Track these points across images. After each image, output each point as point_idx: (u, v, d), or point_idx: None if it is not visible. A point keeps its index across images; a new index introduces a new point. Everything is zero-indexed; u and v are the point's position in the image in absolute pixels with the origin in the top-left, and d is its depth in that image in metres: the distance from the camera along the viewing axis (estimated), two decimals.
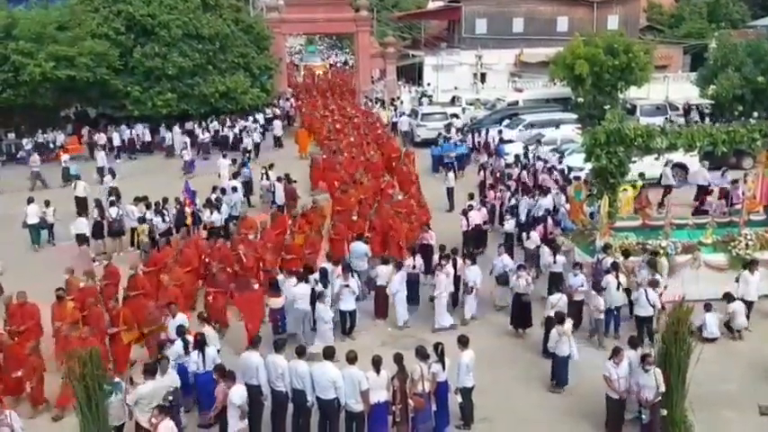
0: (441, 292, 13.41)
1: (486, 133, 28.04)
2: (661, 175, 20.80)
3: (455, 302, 14.20)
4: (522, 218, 17.46)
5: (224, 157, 24.75)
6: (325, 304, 12.49)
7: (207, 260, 14.85)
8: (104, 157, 26.21)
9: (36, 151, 28.62)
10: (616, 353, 9.92)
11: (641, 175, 19.14)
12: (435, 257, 14.43)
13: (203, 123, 32.12)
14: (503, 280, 14.14)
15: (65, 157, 26.48)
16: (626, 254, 13.82)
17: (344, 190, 19.34)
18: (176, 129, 31.00)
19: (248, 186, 22.46)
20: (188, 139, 29.12)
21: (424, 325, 13.67)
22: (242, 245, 15.04)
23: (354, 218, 17.04)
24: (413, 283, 14.27)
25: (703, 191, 19.46)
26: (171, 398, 9.72)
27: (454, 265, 13.96)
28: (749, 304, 13.25)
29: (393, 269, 13.68)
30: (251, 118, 33.52)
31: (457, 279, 13.95)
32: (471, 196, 18.67)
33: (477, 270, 13.80)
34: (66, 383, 10.76)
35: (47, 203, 19.23)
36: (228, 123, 32.10)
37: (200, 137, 30.58)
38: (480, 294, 13.97)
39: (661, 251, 13.95)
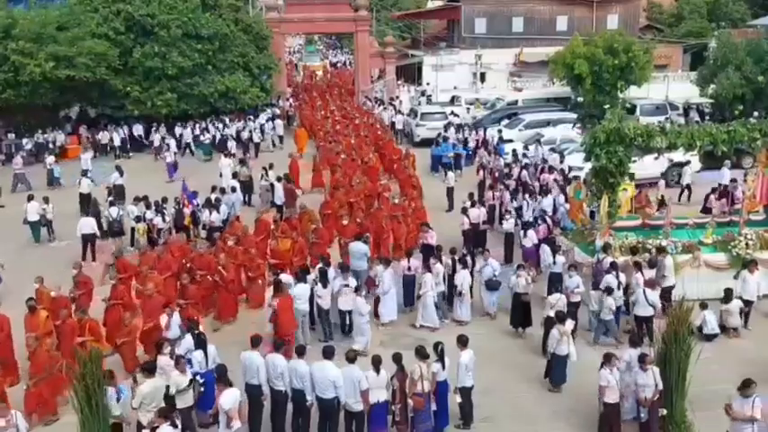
0: (426, 291, 13.39)
1: (485, 132, 28.03)
2: (680, 175, 21.03)
3: (450, 303, 14.17)
4: (526, 218, 17.40)
5: (225, 156, 24.71)
6: (362, 297, 12.43)
7: (189, 266, 14.42)
8: (89, 160, 25.72)
9: (37, 151, 28.69)
10: (608, 359, 9.87)
11: (663, 174, 19.23)
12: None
13: (203, 124, 32.08)
14: (492, 285, 14.02)
15: (49, 159, 26.03)
16: (634, 251, 13.84)
17: (332, 193, 19.24)
18: (186, 130, 30.92)
19: (248, 186, 22.45)
20: (173, 141, 28.84)
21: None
22: (222, 254, 14.59)
23: (345, 221, 16.94)
24: (409, 284, 14.28)
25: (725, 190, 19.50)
26: (202, 389, 9.88)
27: (453, 266, 13.95)
28: (748, 303, 13.26)
29: (382, 267, 13.67)
30: (250, 118, 33.47)
31: (452, 279, 13.92)
32: (471, 196, 18.68)
33: (466, 274, 13.76)
34: (30, 391, 10.65)
35: (45, 200, 19.26)
36: (219, 125, 31.84)
37: (178, 139, 30.22)
38: (474, 298, 13.97)
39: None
